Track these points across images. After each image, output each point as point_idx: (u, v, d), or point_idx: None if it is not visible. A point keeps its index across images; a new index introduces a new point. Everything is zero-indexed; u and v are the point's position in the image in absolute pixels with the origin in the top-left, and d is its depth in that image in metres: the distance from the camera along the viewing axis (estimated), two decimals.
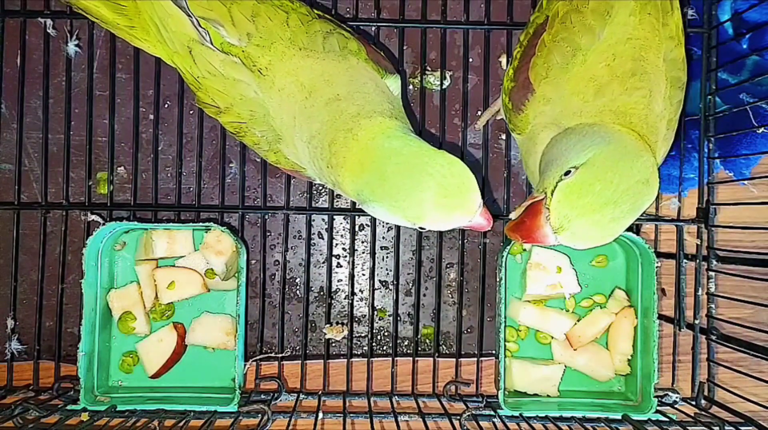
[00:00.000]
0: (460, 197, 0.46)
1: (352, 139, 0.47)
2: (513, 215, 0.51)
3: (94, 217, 0.66)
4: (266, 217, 0.68)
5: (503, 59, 0.69)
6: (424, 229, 0.48)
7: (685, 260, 0.67)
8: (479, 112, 0.69)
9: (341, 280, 0.69)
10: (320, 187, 0.69)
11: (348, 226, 0.69)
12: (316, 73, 0.51)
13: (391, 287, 0.69)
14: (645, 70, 0.52)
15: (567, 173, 0.47)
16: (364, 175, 0.47)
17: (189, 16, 0.51)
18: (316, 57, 0.52)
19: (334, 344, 0.69)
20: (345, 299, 0.69)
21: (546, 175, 0.49)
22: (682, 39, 0.54)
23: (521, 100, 0.55)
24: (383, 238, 0.69)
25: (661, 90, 0.52)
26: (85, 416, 0.61)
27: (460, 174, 0.46)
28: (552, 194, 0.47)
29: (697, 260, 0.67)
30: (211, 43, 0.51)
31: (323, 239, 0.69)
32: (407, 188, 0.45)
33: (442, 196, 0.45)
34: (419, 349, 0.69)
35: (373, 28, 0.68)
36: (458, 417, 0.61)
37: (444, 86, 0.68)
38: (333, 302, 0.69)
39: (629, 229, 0.67)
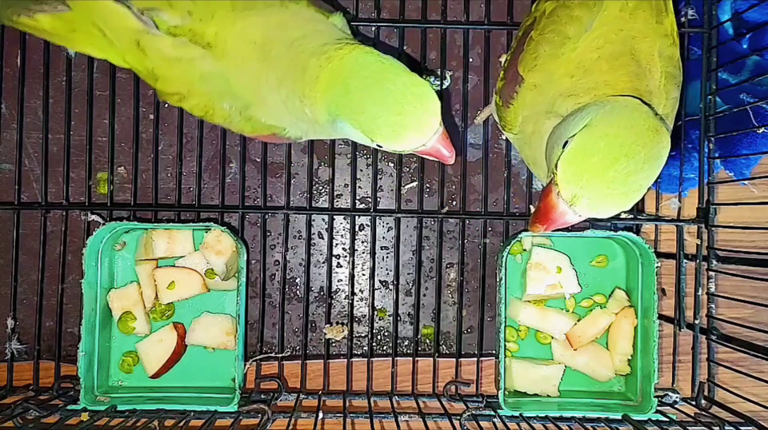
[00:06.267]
0: (415, 116, 0.44)
1: (326, 61, 0.46)
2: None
3: (94, 217, 0.66)
4: (266, 217, 0.68)
5: (503, 59, 0.69)
6: (381, 147, 0.47)
7: (685, 260, 0.67)
8: (479, 112, 0.69)
9: (341, 280, 0.69)
10: (320, 187, 0.69)
11: (348, 226, 0.69)
12: (265, 27, 0.50)
13: (391, 287, 0.69)
14: (638, 57, 0.51)
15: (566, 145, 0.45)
16: (332, 89, 0.45)
17: (128, 8, 0.49)
18: (259, 13, 0.51)
19: (334, 344, 0.69)
20: (345, 299, 0.69)
21: (550, 158, 0.47)
22: (677, 40, 0.54)
23: (510, 94, 0.54)
24: (383, 238, 0.69)
25: (654, 78, 0.51)
26: (85, 416, 0.61)
27: (420, 94, 0.45)
28: (556, 169, 0.44)
29: (697, 260, 0.67)
30: (157, 29, 0.50)
31: (323, 239, 0.69)
32: (365, 102, 0.45)
33: (395, 113, 0.44)
34: (419, 349, 0.69)
35: (373, 28, 0.68)
36: (458, 417, 0.61)
37: (444, 86, 0.68)
38: (333, 302, 0.69)
39: (629, 229, 0.67)
